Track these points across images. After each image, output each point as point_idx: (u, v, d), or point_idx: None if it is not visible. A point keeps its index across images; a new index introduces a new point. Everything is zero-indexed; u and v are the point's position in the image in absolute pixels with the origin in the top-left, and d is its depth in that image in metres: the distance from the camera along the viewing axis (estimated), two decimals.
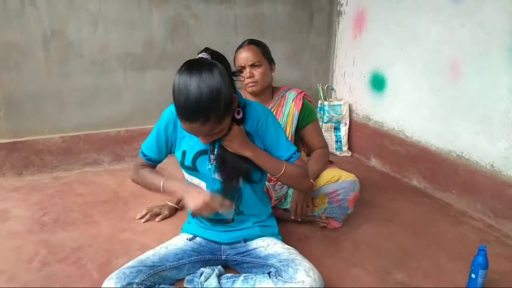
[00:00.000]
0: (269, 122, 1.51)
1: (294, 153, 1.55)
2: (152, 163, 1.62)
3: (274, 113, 1.98)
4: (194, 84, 1.24)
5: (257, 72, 1.92)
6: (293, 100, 2.00)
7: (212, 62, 1.30)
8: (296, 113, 1.99)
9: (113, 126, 2.71)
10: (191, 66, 1.28)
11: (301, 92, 2.04)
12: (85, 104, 2.62)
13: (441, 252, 1.88)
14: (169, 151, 1.59)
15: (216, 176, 1.50)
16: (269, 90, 2.03)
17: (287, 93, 2.04)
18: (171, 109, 1.53)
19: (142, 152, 1.61)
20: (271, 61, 1.99)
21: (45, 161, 2.57)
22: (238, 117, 1.44)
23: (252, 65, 1.91)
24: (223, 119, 1.33)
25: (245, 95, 2.00)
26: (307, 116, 2.01)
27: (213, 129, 1.32)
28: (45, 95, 2.51)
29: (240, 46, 1.97)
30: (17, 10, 2.34)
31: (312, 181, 1.93)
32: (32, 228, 1.96)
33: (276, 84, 2.09)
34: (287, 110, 2.00)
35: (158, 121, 1.56)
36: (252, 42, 1.97)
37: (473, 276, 1.57)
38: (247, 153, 1.46)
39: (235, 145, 1.44)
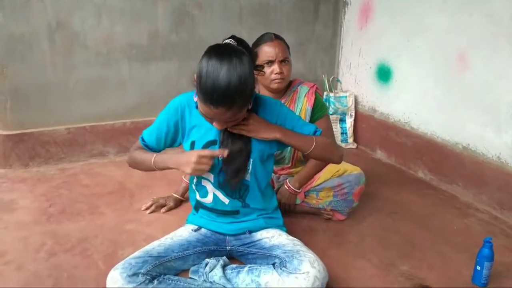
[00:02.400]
0: (286, 110, 1.54)
1: (316, 130, 1.55)
2: (150, 151, 1.59)
3: None
4: (225, 69, 1.23)
5: (285, 69, 1.87)
6: (305, 95, 1.96)
7: (242, 50, 1.30)
8: (309, 108, 1.94)
9: (118, 117, 2.72)
10: (221, 51, 1.27)
11: (313, 86, 1.99)
12: (90, 95, 2.62)
13: (447, 244, 1.87)
14: (169, 143, 1.58)
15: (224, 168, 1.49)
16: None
17: (299, 87, 1.99)
18: (179, 99, 1.52)
19: (142, 138, 1.59)
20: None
21: (51, 152, 2.59)
22: (250, 107, 1.43)
23: (282, 61, 1.86)
24: (245, 107, 1.34)
25: (259, 87, 1.99)
26: (318, 111, 1.97)
27: (234, 116, 1.32)
28: (50, 86, 2.52)
29: (267, 39, 1.87)
30: (22, 2, 2.34)
31: (296, 188, 1.92)
32: (38, 218, 1.97)
33: None
34: (300, 106, 1.96)
35: (164, 110, 1.54)
36: (278, 37, 1.90)
37: (478, 268, 1.57)
38: (276, 135, 1.46)
39: (262, 131, 1.45)
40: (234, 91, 1.24)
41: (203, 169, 1.41)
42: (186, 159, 1.40)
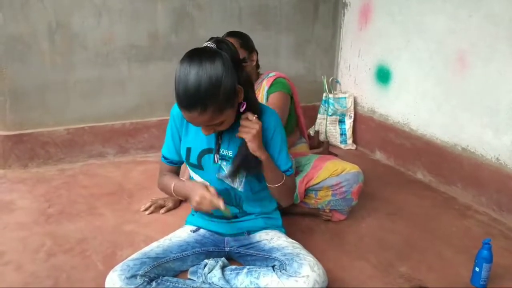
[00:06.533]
0: (277, 132, 1.49)
1: (289, 169, 1.53)
2: (175, 165, 1.60)
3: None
4: (194, 72, 1.23)
5: None
6: (267, 79, 2.01)
7: (216, 51, 1.28)
8: (266, 87, 1.99)
9: (117, 118, 2.71)
10: (192, 55, 1.26)
11: (280, 74, 2.04)
12: (89, 96, 2.62)
13: (445, 245, 1.87)
14: None
15: (220, 176, 1.49)
16: (254, 78, 2.01)
17: (265, 77, 2.05)
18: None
19: (163, 156, 1.59)
20: (251, 51, 1.98)
21: (50, 153, 2.59)
22: (242, 110, 1.40)
23: None
24: (224, 109, 1.29)
25: None
26: (272, 86, 2.00)
27: (213, 120, 1.29)
28: (50, 87, 2.52)
29: None
30: (22, 2, 2.34)
31: None
32: (37, 219, 1.97)
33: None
34: (261, 91, 2.00)
35: (169, 121, 1.54)
36: (229, 34, 1.96)
37: (477, 269, 1.57)
38: (263, 156, 1.42)
39: (257, 143, 1.39)
40: (205, 93, 1.23)
41: (206, 209, 1.39)
42: (190, 194, 1.41)
